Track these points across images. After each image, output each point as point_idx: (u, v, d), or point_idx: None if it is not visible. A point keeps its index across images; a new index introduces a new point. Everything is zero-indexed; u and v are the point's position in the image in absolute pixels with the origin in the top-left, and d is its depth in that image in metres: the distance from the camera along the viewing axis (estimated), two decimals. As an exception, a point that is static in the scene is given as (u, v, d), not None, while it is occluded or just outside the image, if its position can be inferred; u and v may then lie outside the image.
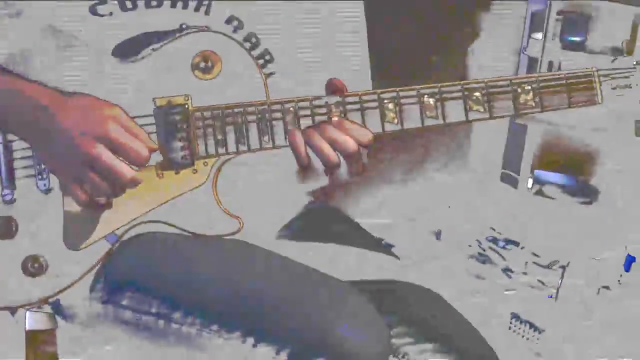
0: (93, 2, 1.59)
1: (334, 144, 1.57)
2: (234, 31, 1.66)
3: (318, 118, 1.59)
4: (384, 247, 1.93)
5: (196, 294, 1.56)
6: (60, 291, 1.59)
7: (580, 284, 2.12)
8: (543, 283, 2.13)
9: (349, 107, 1.60)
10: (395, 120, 1.61)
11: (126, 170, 1.49)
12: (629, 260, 2.17)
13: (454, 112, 1.63)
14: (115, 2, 1.60)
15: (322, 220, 1.90)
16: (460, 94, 1.62)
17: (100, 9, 1.60)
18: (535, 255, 2.19)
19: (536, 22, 2.47)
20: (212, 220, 1.60)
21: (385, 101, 1.61)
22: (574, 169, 2.48)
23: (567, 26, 2.43)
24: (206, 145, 1.59)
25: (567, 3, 2.45)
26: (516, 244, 2.22)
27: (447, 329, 1.75)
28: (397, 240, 2.15)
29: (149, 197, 1.58)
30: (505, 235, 2.23)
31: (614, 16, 2.34)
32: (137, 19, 1.61)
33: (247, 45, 1.67)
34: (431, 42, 2.32)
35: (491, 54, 2.39)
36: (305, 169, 1.60)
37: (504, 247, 2.22)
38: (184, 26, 1.62)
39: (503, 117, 1.65)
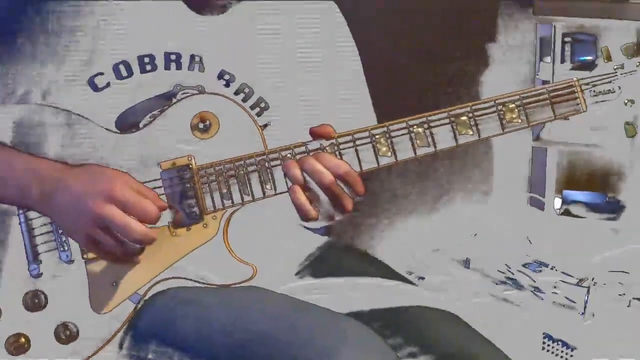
0: (90, 75, 1.71)
1: (311, 176, 1.64)
2: (227, 85, 1.76)
3: (315, 161, 1.68)
4: (400, 276, 1.96)
5: (210, 342, 1.64)
6: (94, 353, 1.68)
7: (610, 298, 2.14)
8: (572, 301, 2.15)
9: (342, 146, 1.68)
10: (389, 153, 1.69)
11: (138, 226, 1.58)
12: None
13: (444, 138, 1.69)
14: (112, 72, 1.72)
15: (337, 256, 1.96)
16: (447, 120, 1.69)
17: (98, 80, 1.72)
18: (565, 274, 2.21)
19: (545, 46, 2.54)
20: (228, 270, 1.69)
21: (377, 136, 1.68)
22: (601, 186, 2.51)
23: (577, 47, 2.50)
24: (213, 199, 1.68)
25: (572, 25, 2.52)
26: (546, 265, 2.25)
27: (469, 349, 1.79)
28: (427, 272, 2.21)
29: (165, 256, 1.67)
30: (534, 257, 2.27)
31: (618, 33, 2.41)
32: (133, 85, 1.71)
33: (241, 95, 1.77)
34: (443, 74, 2.40)
35: (504, 82, 2.46)
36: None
37: (534, 270, 2.25)
38: (178, 87, 1.72)
39: (492, 137, 1.71)
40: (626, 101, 1.73)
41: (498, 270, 2.26)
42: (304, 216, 1.66)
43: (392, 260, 2.06)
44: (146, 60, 1.73)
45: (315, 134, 1.66)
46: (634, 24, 2.31)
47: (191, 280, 1.68)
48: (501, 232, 2.31)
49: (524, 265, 2.27)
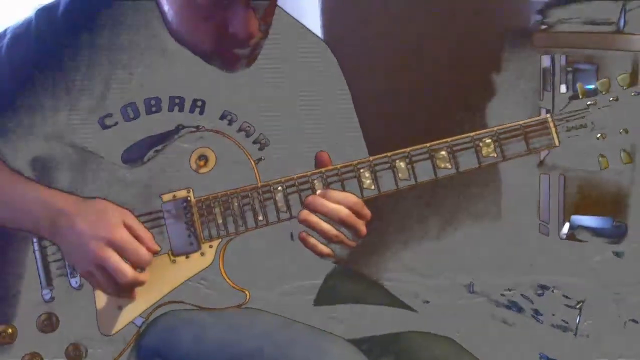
0: (101, 116, 1.86)
1: (327, 215, 1.78)
2: (229, 124, 1.90)
3: (304, 193, 1.80)
4: (401, 302, 2.07)
5: (205, 358, 1.77)
6: (102, 372, 1.83)
7: (605, 319, 2.21)
8: (567, 322, 2.23)
9: (329, 179, 1.81)
10: (372, 186, 1.81)
11: (129, 272, 1.74)
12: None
13: (424, 171, 1.81)
14: (120, 113, 1.86)
15: (341, 283, 2.08)
16: (427, 155, 1.81)
17: (107, 120, 1.87)
18: (565, 297, 2.29)
19: (547, 76, 2.62)
20: (223, 295, 1.83)
21: (362, 170, 1.81)
22: (608, 210, 2.58)
23: (579, 76, 2.59)
24: (209, 229, 1.82)
25: (573, 56, 2.59)
26: (547, 287, 2.33)
27: None
28: (431, 296, 2.31)
29: (166, 282, 1.82)
30: (538, 281, 2.35)
31: (615, 61, 2.48)
32: (139, 125, 1.86)
33: (243, 134, 1.91)
34: (449, 103, 2.50)
35: (510, 111, 2.56)
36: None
37: (536, 293, 2.33)
38: (180, 127, 1.87)
39: (469, 170, 1.82)
40: (598, 136, 1.83)
41: (500, 294, 2.34)
42: (321, 256, 1.81)
43: (398, 284, 2.17)
44: (152, 102, 1.88)
45: (321, 158, 1.82)
46: (629, 55, 2.39)
47: (189, 304, 1.83)
48: (506, 256, 2.40)
49: (526, 289, 2.35)
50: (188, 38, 1.87)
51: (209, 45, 1.85)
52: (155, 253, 1.78)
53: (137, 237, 1.76)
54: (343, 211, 1.78)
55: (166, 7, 1.86)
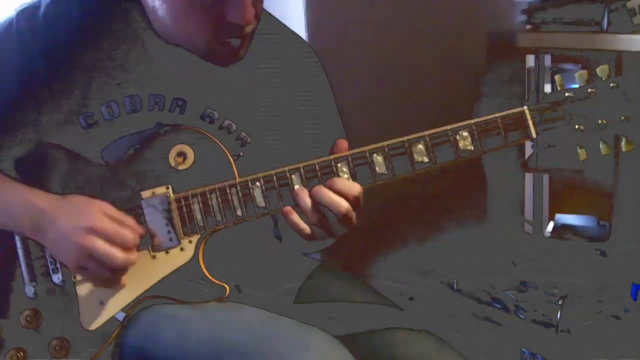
0: (81, 115, 1.87)
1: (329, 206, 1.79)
2: (210, 122, 1.92)
3: (282, 189, 1.82)
4: (386, 299, 2.08)
5: (189, 353, 1.78)
6: (85, 366, 1.85)
7: (588, 314, 2.22)
8: (549, 318, 2.24)
9: (307, 175, 1.82)
10: (350, 180, 1.82)
11: (118, 253, 1.75)
12: (635, 289, 2.26)
13: (401, 165, 1.82)
14: (100, 112, 1.88)
15: (326, 280, 2.10)
16: (404, 148, 1.82)
17: (88, 119, 1.88)
18: (547, 293, 2.30)
19: (531, 76, 2.65)
20: (203, 289, 1.84)
21: (339, 165, 1.82)
22: (593, 210, 2.59)
23: (564, 76, 2.60)
24: (188, 225, 1.84)
25: (557, 56, 2.62)
26: (530, 285, 2.34)
27: None
28: (415, 293, 2.32)
29: (147, 277, 1.83)
30: (520, 279, 2.36)
31: (599, 60, 2.49)
32: (119, 124, 1.88)
33: (224, 131, 1.93)
34: (434, 105, 2.52)
35: (495, 111, 2.57)
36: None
37: (519, 290, 2.34)
38: (159, 124, 1.89)
39: (446, 163, 1.83)
40: (576, 127, 1.83)
41: (483, 291, 2.36)
42: (302, 235, 1.82)
43: (383, 282, 2.18)
44: (132, 101, 1.90)
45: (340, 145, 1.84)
46: (613, 54, 2.40)
47: (170, 298, 1.84)
48: (490, 254, 2.41)
49: (509, 286, 2.36)
50: (181, 32, 1.88)
51: (205, 37, 1.87)
52: (141, 236, 1.80)
53: (119, 223, 1.77)
54: (344, 206, 1.79)
55: (156, 4, 1.86)
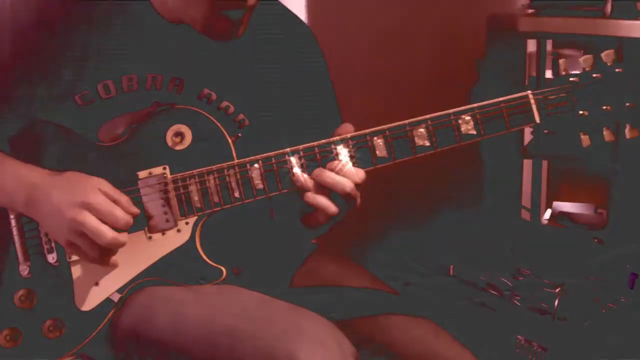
0: (77, 94, 1.85)
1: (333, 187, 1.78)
2: (208, 102, 1.90)
3: (280, 170, 1.80)
4: (382, 284, 2.06)
5: (183, 335, 1.76)
6: (80, 346, 1.82)
7: (584, 302, 2.21)
8: (546, 305, 2.22)
9: (306, 157, 1.80)
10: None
11: (108, 232, 1.71)
12: (633, 277, 2.25)
13: (402, 149, 1.80)
14: (96, 91, 1.85)
15: (323, 264, 2.08)
16: (405, 132, 1.80)
17: (84, 98, 1.86)
18: (544, 280, 2.29)
19: (532, 61, 2.62)
20: (200, 271, 1.82)
21: (339, 148, 1.80)
22: (590, 197, 2.58)
23: (566, 62, 2.57)
24: (185, 206, 1.81)
25: (559, 41, 2.59)
26: (526, 272, 2.32)
27: (435, 351, 1.88)
28: (411, 278, 2.30)
29: (143, 258, 1.81)
30: (517, 265, 2.35)
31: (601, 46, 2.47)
32: (116, 103, 1.85)
33: (222, 112, 1.90)
34: (433, 87, 2.49)
35: (494, 96, 2.55)
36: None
37: (515, 277, 2.33)
38: (156, 103, 1.86)
39: (448, 147, 1.81)
40: (580, 112, 1.81)
41: (480, 277, 2.34)
42: (329, 213, 1.80)
43: (379, 266, 2.16)
44: (129, 80, 1.87)
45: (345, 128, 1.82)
46: (615, 40, 2.38)
47: (166, 280, 1.82)
48: (487, 240, 2.40)
49: (505, 272, 2.35)
50: (180, 3, 1.86)
51: (204, 7, 1.84)
52: (134, 216, 1.77)
53: (114, 202, 1.74)
54: (349, 185, 1.78)
55: None
